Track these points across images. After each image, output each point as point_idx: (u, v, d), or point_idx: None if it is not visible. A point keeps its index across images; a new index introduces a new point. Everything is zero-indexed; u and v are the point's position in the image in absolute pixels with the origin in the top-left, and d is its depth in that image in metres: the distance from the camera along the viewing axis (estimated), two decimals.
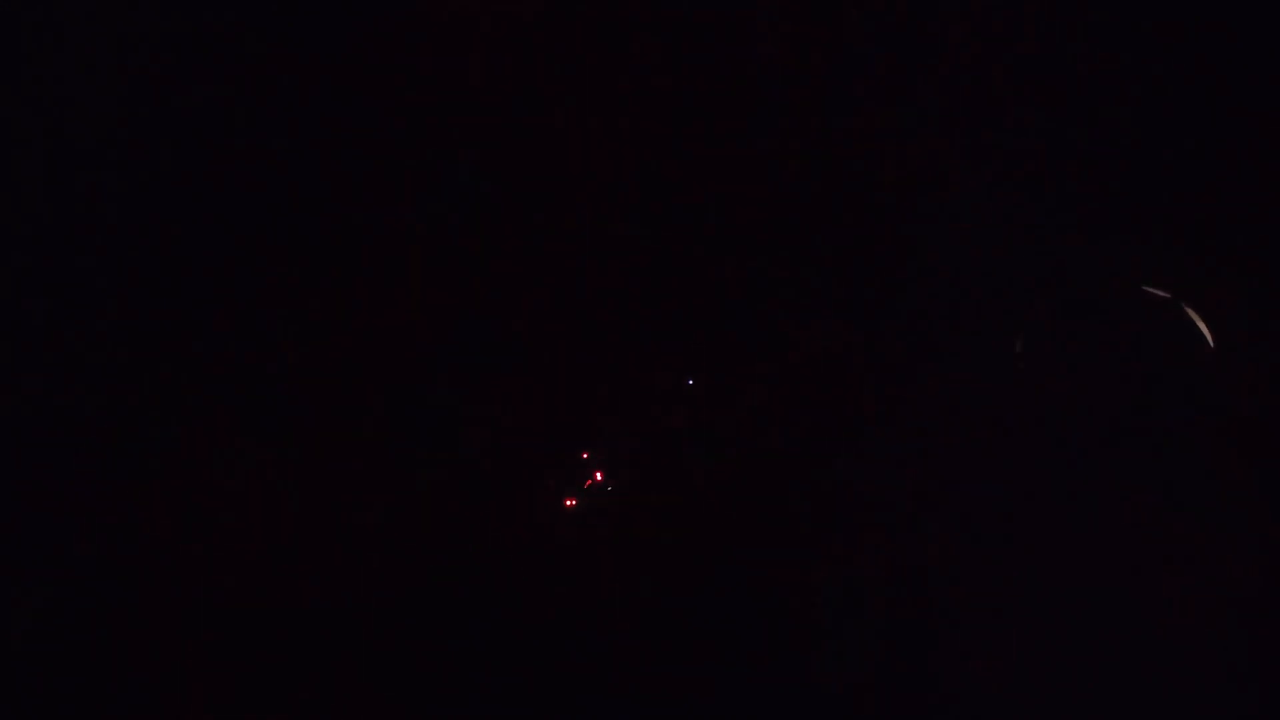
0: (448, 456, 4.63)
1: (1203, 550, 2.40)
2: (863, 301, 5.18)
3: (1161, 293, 3.24)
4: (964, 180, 4.18)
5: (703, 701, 2.88)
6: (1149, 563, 2.43)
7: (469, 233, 5.47)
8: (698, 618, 3.08)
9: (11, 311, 3.53)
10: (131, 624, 3.26)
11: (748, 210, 5.47)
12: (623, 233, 6.00)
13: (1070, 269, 3.56)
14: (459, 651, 3.40)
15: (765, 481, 3.65)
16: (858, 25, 4.21)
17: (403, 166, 4.61)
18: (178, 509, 3.60)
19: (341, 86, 4.07)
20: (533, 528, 4.12)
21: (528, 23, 4.15)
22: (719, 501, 3.54)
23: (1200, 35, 3.47)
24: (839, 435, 3.62)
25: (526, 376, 5.97)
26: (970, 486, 3.02)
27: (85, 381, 3.63)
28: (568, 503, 4.45)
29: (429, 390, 4.97)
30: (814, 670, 2.78)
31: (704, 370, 6.11)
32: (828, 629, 2.83)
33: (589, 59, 4.41)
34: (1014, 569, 2.64)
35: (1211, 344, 3.05)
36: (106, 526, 3.41)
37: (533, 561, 3.89)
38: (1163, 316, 3.18)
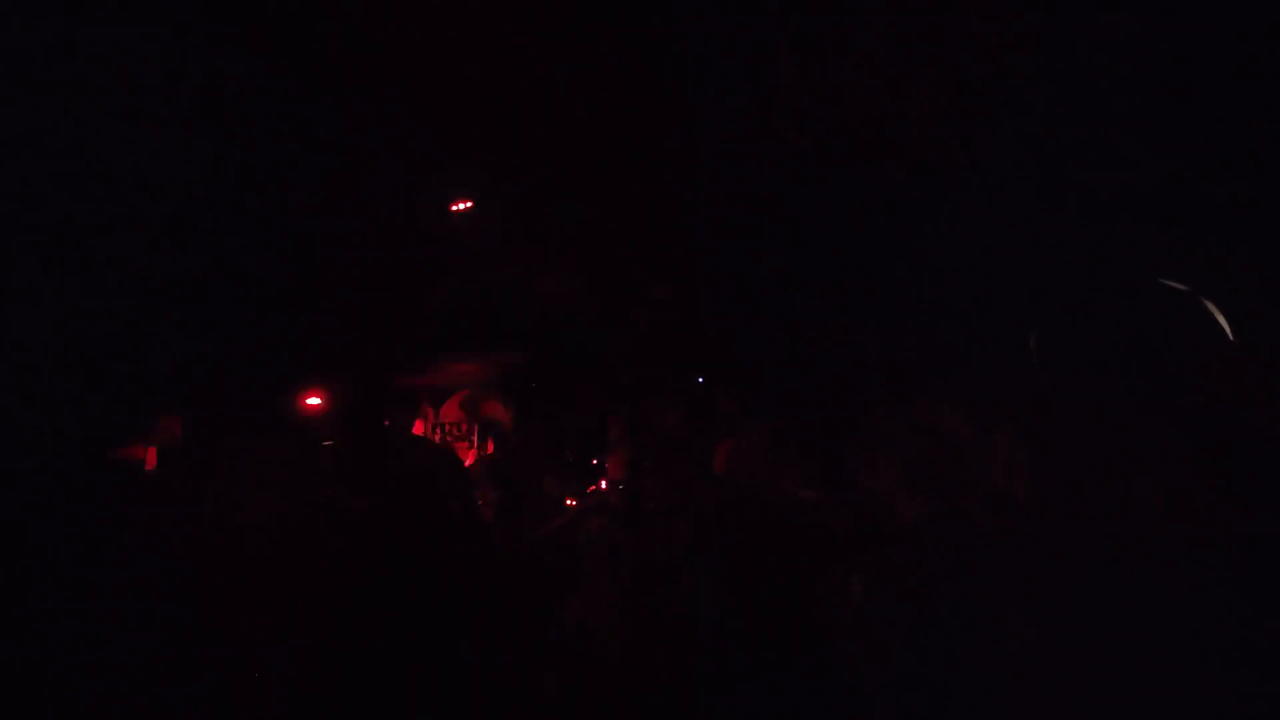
0: (455, 454, 4.64)
1: (1217, 544, 2.32)
2: (875, 300, 5.13)
3: (1179, 286, 3.17)
4: (975, 176, 4.12)
5: (705, 703, 2.83)
6: (1162, 558, 2.36)
7: (477, 234, 5.47)
8: (701, 620, 3.02)
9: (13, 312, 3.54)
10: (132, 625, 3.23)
11: (757, 211, 5.43)
12: (634, 235, 5.98)
13: (1085, 263, 3.49)
14: (460, 648, 3.36)
15: (775, 482, 3.58)
16: (865, 26, 4.17)
17: (406, 165, 4.61)
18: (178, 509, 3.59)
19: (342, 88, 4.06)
20: (535, 528, 4.10)
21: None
22: (727, 503, 3.47)
23: (1221, 29, 3.40)
24: (850, 435, 3.54)
25: (537, 377, 5.98)
26: (984, 483, 2.96)
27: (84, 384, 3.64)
28: (569, 502, 4.45)
29: (435, 388, 4.99)
30: (820, 672, 2.72)
31: (713, 370, 6.09)
32: (835, 631, 2.77)
33: (595, 59, 4.37)
34: (1028, 565, 2.57)
35: (1231, 337, 2.97)
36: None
37: (535, 561, 3.85)
38: (1181, 310, 3.10)
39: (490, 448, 5.11)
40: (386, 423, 4.22)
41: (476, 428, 5.64)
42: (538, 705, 3.39)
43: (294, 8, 3.64)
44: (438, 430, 5.81)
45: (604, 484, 4.67)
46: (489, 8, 3.82)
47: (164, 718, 3.11)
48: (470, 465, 5.01)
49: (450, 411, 5.93)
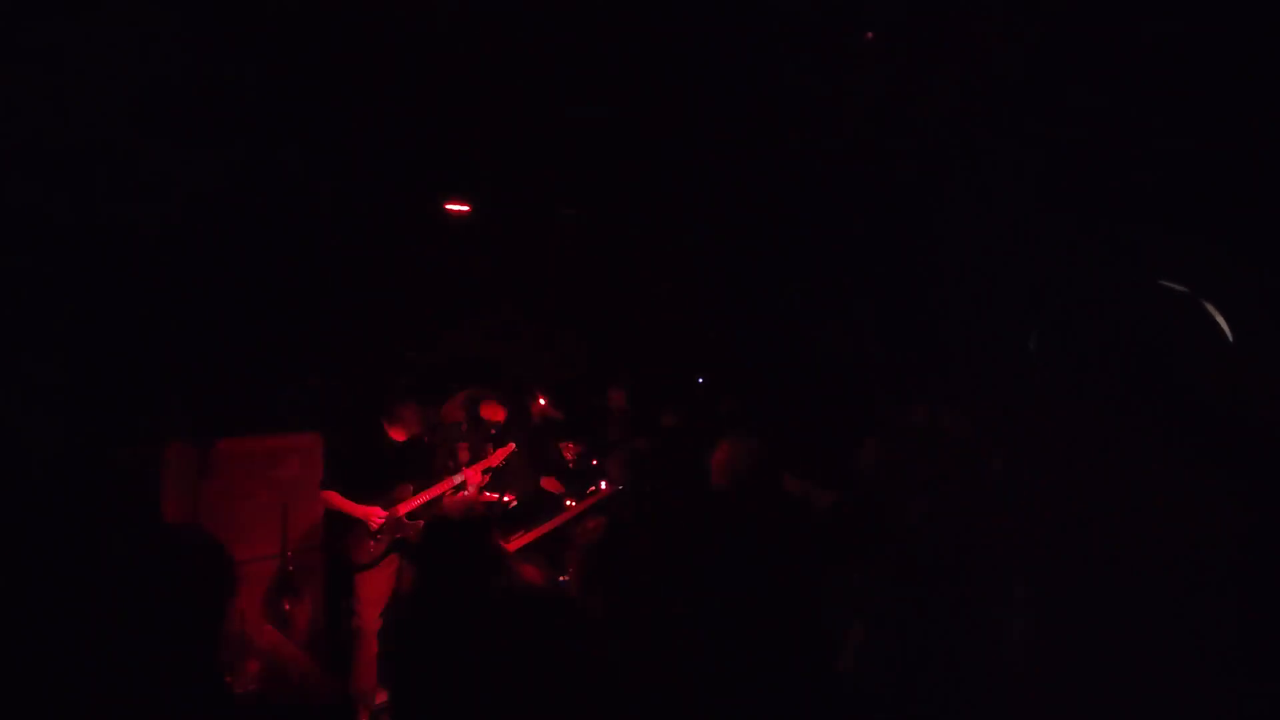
0: (456, 451, 4.64)
1: (1217, 544, 2.32)
2: (875, 301, 5.14)
3: (1179, 287, 3.16)
4: (976, 176, 4.12)
5: (705, 703, 2.82)
6: (1162, 558, 2.36)
7: (480, 234, 5.48)
8: (702, 616, 3.01)
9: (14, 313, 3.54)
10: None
11: (757, 212, 5.44)
12: (636, 236, 5.99)
13: (1085, 264, 3.48)
14: (458, 647, 3.35)
15: (776, 480, 3.57)
16: (866, 29, 4.17)
17: (407, 165, 4.61)
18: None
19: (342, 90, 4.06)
20: (535, 528, 4.10)
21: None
22: (730, 501, 3.46)
23: (1220, 30, 3.40)
24: (852, 434, 3.53)
25: (539, 376, 5.98)
26: (983, 483, 2.95)
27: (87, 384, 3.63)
28: (568, 503, 4.47)
29: (437, 385, 4.99)
30: (820, 672, 2.72)
31: (714, 370, 6.09)
32: (835, 631, 2.77)
33: (595, 57, 4.37)
34: (1028, 565, 2.57)
35: (1231, 338, 2.96)
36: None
37: (535, 561, 3.85)
38: (1180, 311, 3.10)
39: (490, 448, 5.10)
40: (386, 422, 4.23)
41: (476, 428, 5.64)
42: (537, 705, 3.38)
43: (293, 7, 3.65)
44: (436, 431, 5.80)
45: (604, 484, 4.68)
46: (489, 7, 3.82)
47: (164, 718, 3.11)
48: (470, 465, 5.01)
49: (450, 412, 5.92)
